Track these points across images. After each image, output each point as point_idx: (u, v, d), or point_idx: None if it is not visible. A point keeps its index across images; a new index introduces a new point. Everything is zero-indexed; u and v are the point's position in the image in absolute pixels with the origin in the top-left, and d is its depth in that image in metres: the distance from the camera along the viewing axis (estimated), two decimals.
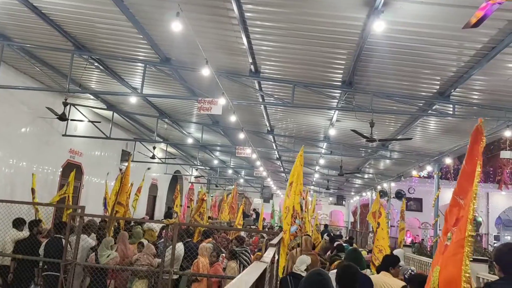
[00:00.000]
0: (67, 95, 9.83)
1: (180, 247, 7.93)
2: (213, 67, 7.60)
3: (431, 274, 2.51)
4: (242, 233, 11.63)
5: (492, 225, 26.50)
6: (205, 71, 6.99)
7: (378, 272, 5.31)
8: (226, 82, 9.01)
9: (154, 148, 16.27)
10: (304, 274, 5.54)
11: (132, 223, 11.13)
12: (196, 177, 23.66)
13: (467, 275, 1.92)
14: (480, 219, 26.87)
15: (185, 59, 8.51)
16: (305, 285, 3.31)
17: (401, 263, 5.81)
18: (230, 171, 25.72)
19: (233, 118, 9.90)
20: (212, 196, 29.08)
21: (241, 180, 29.15)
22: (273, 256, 3.66)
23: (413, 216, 26.71)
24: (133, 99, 11.47)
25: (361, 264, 5.59)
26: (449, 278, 1.98)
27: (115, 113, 13.78)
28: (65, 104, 9.69)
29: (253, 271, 1.52)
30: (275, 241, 4.90)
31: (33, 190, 10.46)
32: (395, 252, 7.75)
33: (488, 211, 26.52)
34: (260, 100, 10.52)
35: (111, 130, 13.95)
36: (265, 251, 4.32)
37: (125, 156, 17.12)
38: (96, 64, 9.50)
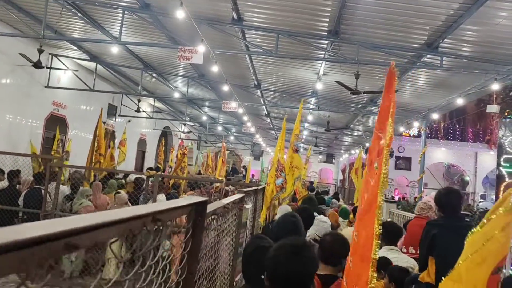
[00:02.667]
0: (41, 42, 9.45)
1: (161, 198, 7.89)
2: (192, 13, 7.24)
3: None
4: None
5: (479, 184, 26.81)
6: (180, 14, 6.60)
7: None
8: (209, 30, 8.65)
9: (139, 101, 15.95)
10: None
11: (117, 175, 11.15)
12: (185, 132, 23.43)
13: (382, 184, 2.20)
14: (467, 178, 27.15)
15: (163, 4, 8.12)
16: (280, 224, 3.64)
17: None
18: (220, 128, 25.53)
19: (215, 69, 9.59)
20: (202, 153, 29.02)
21: (231, 138, 29.02)
22: (240, 201, 3.57)
23: (401, 174, 26.93)
24: (115, 50, 11.09)
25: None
26: (372, 187, 2.26)
27: (98, 65, 13.39)
28: (40, 51, 9.32)
29: (183, 200, 1.38)
30: (247, 189, 4.81)
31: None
32: None
33: (476, 170, 26.74)
34: (245, 50, 10.19)
35: (95, 83, 13.57)
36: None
37: (112, 110, 16.83)
38: (73, 10, 9.08)
